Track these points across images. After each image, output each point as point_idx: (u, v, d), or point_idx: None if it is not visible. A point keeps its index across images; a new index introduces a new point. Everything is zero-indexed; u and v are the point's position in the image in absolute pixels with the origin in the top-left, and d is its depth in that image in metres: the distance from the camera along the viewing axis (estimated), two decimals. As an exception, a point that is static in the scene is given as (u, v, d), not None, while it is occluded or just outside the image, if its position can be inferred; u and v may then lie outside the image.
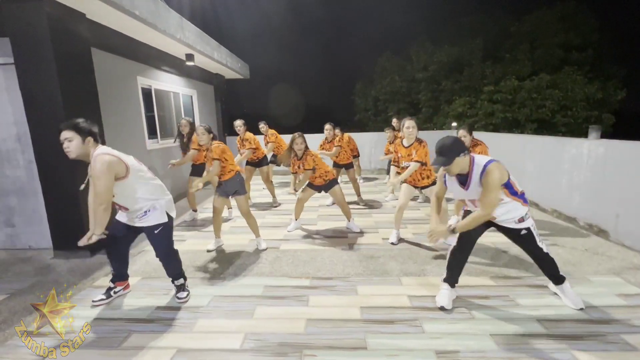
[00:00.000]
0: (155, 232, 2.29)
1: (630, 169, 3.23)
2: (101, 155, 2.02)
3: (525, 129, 13.37)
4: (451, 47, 15.76)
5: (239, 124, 4.81)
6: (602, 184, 3.57)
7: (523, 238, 2.22)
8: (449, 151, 1.97)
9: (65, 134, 2.00)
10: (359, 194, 5.27)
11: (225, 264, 3.12)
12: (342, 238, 3.75)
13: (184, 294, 2.50)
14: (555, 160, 4.31)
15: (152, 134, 5.15)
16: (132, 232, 2.38)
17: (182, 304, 2.44)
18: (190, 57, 5.53)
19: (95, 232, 2.08)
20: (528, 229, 2.18)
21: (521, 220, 2.15)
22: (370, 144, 8.15)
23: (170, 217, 2.37)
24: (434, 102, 15.85)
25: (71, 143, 2.00)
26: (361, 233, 3.88)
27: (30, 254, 3.45)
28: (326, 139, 5.01)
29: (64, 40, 3.12)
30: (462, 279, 2.66)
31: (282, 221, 4.42)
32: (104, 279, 2.82)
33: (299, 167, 3.68)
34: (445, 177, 2.23)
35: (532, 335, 1.98)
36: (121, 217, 2.35)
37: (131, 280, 2.78)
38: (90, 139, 2.05)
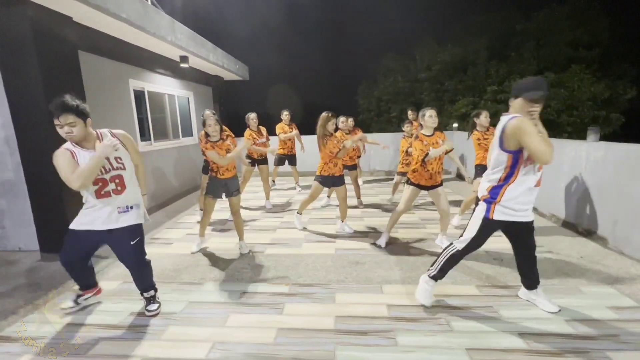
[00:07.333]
0: (132, 242, 2.17)
1: (630, 173, 3.07)
2: (118, 131, 2.19)
3: (530, 129, 12.99)
4: (455, 47, 15.46)
5: (253, 117, 4.90)
6: (601, 188, 3.42)
7: (531, 229, 2.16)
8: None
9: (67, 118, 1.86)
10: (359, 196, 5.19)
11: (207, 269, 3.08)
12: (329, 242, 3.68)
13: (155, 306, 2.35)
14: (555, 163, 4.14)
15: (145, 135, 5.15)
16: (94, 243, 2.19)
17: (153, 316, 2.33)
18: (184, 59, 5.52)
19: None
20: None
21: None
22: (375, 146, 7.85)
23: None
24: (438, 102, 15.55)
25: (75, 128, 1.89)
26: (350, 237, 3.80)
27: (19, 256, 3.47)
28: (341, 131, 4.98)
29: (48, 43, 3.12)
30: (446, 288, 2.58)
31: (271, 224, 4.36)
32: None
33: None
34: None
35: (511, 351, 1.87)
36: (90, 220, 2.09)
37: (111, 285, 2.77)
38: (89, 120, 2.00)
